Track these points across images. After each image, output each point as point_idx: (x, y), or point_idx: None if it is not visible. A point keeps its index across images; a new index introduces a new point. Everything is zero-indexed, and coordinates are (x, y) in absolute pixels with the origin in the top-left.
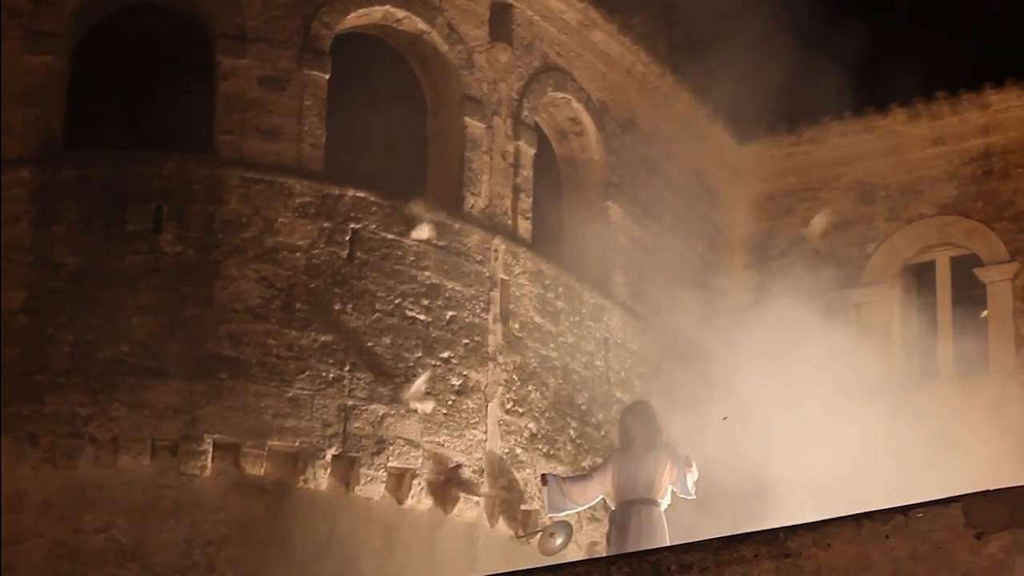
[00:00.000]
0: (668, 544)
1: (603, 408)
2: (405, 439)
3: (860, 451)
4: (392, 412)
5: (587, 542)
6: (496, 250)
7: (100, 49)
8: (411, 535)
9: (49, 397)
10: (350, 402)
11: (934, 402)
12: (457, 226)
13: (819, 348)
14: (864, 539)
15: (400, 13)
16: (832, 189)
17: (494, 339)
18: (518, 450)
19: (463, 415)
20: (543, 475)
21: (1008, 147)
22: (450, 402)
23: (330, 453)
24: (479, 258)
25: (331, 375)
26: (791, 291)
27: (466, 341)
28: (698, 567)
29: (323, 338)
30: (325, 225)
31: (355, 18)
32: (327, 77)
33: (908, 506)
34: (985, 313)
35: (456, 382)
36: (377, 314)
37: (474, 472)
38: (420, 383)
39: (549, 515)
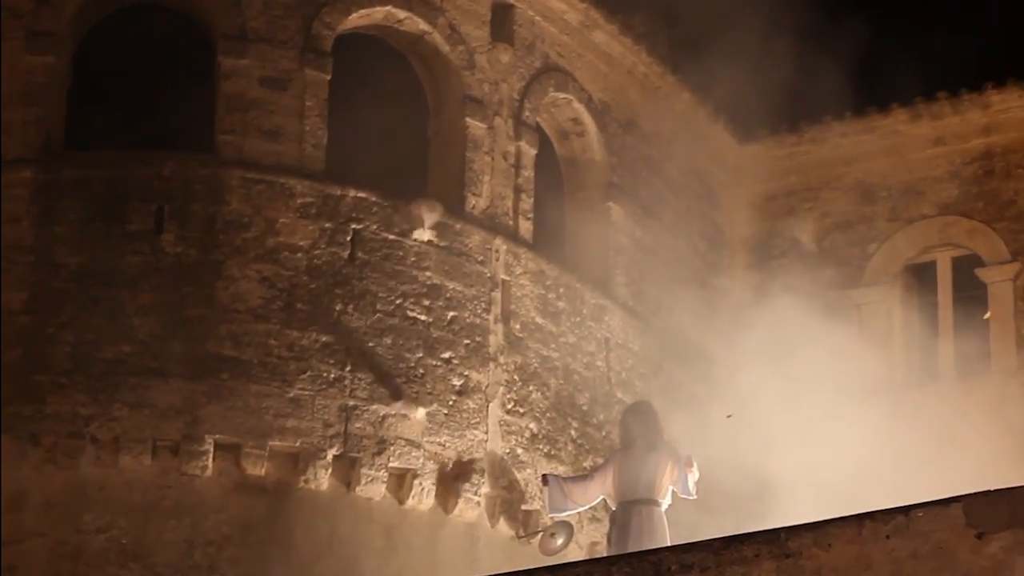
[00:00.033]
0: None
1: (604, 408)
2: (406, 439)
3: (861, 451)
4: (393, 412)
5: (588, 542)
6: (497, 250)
7: (101, 49)
8: (412, 535)
9: (50, 397)
10: (351, 402)
11: (935, 402)
12: (458, 226)
13: (820, 348)
14: (865, 539)
15: (401, 13)
16: (833, 189)
17: (495, 339)
18: (519, 450)
19: (464, 415)
20: (544, 475)
21: (1009, 147)
22: (451, 402)
23: (331, 453)
24: (480, 258)
25: (332, 375)
26: (792, 291)
27: (467, 341)
28: (699, 567)
29: (324, 338)
30: (326, 225)
31: (356, 18)
32: (328, 77)
33: (909, 506)
34: (988, 316)
35: (457, 382)
36: (378, 314)
37: (475, 472)
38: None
39: (550, 515)
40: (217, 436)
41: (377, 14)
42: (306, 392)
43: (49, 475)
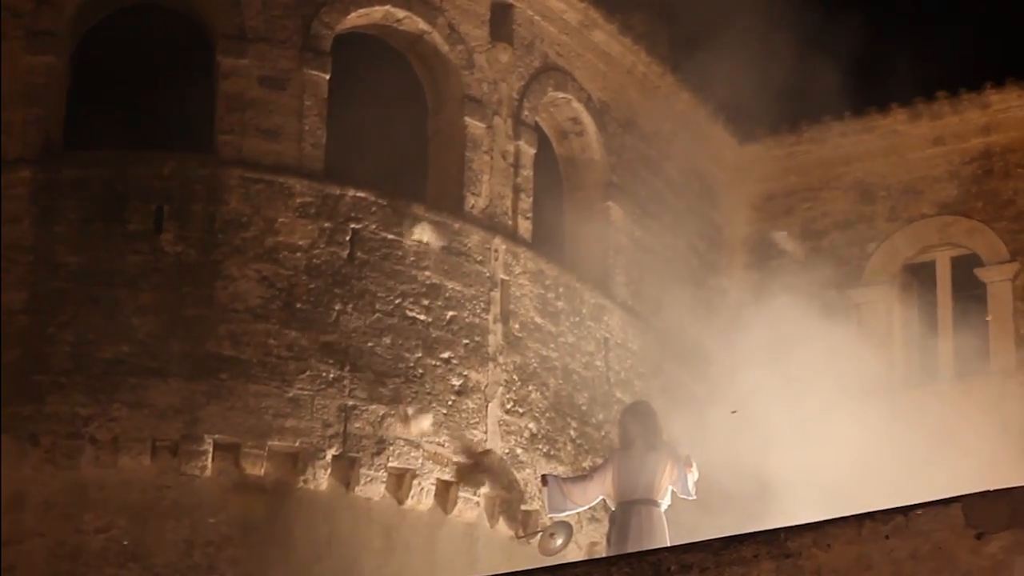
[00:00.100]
0: (668, 544)
1: (603, 408)
2: (405, 439)
3: (860, 451)
4: (392, 412)
5: (587, 542)
6: (496, 250)
7: (101, 49)
8: (411, 535)
9: (50, 397)
10: (350, 402)
11: (934, 402)
12: (457, 226)
13: (819, 348)
14: (864, 539)
15: (400, 13)
16: (832, 189)
17: (494, 339)
18: (518, 450)
19: (463, 415)
20: (543, 475)
21: (1009, 147)
22: (450, 402)
23: (330, 453)
24: (479, 258)
25: (331, 375)
26: (791, 291)
27: (466, 341)
28: (698, 567)
29: (323, 338)
30: (325, 225)
31: (355, 18)
32: (327, 77)
33: (908, 506)
34: (990, 317)
35: (456, 382)
36: (377, 314)
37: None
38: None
39: (549, 515)
40: (216, 436)
41: (376, 14)
42: (305, 392)
43: (48, 475)
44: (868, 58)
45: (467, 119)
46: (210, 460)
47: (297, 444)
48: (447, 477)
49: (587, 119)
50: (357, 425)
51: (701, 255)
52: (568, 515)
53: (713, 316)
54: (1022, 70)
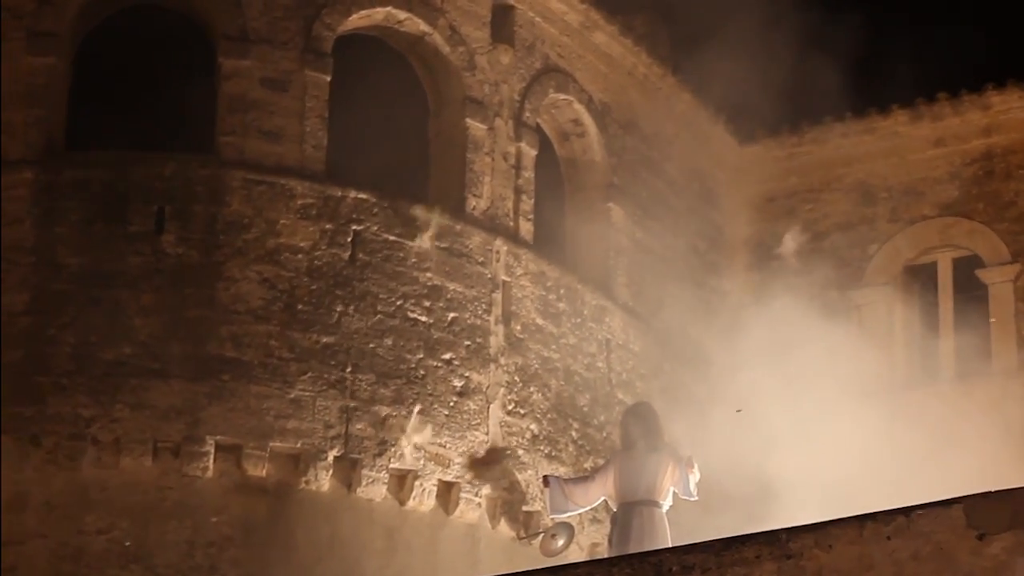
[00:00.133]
0: (670, 545)
1: (605, 409)
2: (407, 440)
3: (862, 452)
4: (394, 414)
5: (589, 543)
6: (498, 251)
7: (102, 50)
8: (413, 536)
9: (51, 398)
10: (352, 403)
11: (936, 403)
12: (459, 228)
13: (820, 349)
14: (866, 540)
15: (402, 14)
16: (834, 190)
17: (496, 340)
18: (520, 451)
19: (465, 416)
20: (545, 476)
21: (1010, 148)
22: (452, 404)
23: (332, 454)
24: (481, 260)
25: (333, 376)
26: (792, 292)
27: (468, 343)
28: (700, 568)
29: (325, 339)
30: (327, 227)
31: (357, 19)
32: (329, 78)
33: (910, 507)
34: (993, 319)
35: (458, 384)
36: (379, 316)
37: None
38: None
39: (551, 516)
40: (218, 437)
41: (377, 15)
42: (307, 393)
43: (50, 476)
44: (869, 59)
45: (468, 120)
46: (212, 461)
47: (299, 445)
48: (449, 478)
49: (588, 120)
50: (359, 426)
51: (702, 256)
52: (569, 516)
53: (714, 317)
54: (1023, 71)
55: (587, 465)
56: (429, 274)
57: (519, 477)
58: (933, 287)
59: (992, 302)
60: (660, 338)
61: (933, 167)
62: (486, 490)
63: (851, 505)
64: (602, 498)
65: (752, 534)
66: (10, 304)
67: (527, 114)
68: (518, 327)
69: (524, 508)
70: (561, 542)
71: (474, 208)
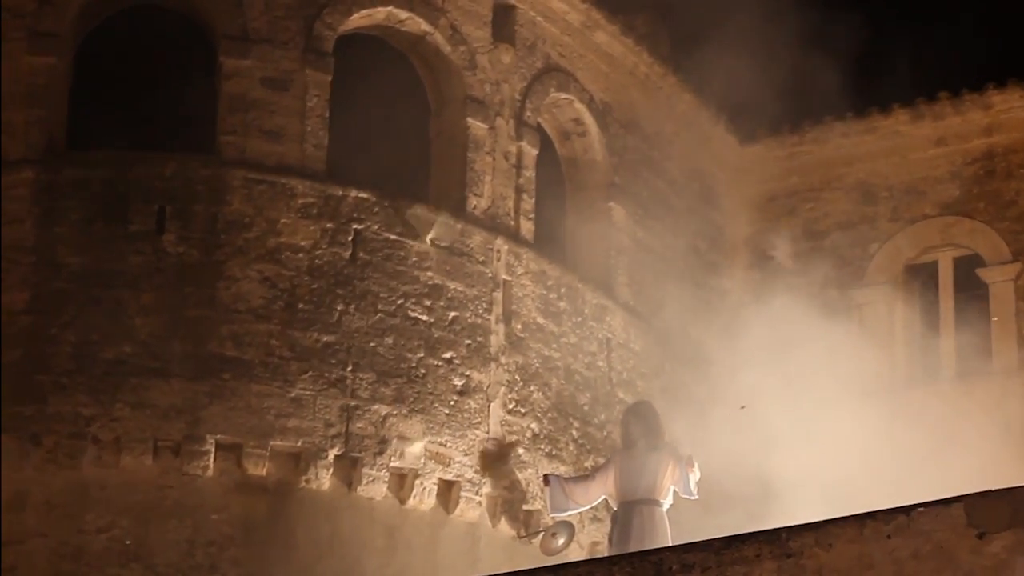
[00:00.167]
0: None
1: (605, 408)
2: (407, 439)
3: (862, 450)
4: (394, 412)
5: (589, 542)
6: (499, 251)
7: (103, 50)
8: (413, 535)
9: (52, 397)
10: (352, 402)
11: (936, 402)
12: (460, 227)
13: (821, 348)
14: (866, 539)
15: (403, 14)
16: (834, 189)
17: (496, 340)
18: (520, 450)
19: (465, 415)
20: (545, 475)
21: (1011, 147)
22: (452, 402)
23: (332, 453)
24: (481, 259)
25: (333, 375)
26: (793, 291)
27: (468, 342)
28: (700, 567)
29: (325, 338)
30: (328, 226)
31: (358, 19)
32: (330, 78)
33: (910, 506)
34: (996, 318)
35: (458, 382)
36: (379, 314)
37: (476, 472)
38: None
39: (551, 515)
40: (218, 436)
41: (378, 14)
42: (307, 392)
43: (50, 475)
44: (870, 58)
45: (469, 120)
46: (212, 460)
47: (299, 444)
48: (449, 477)
49: (589, 120)
50: (359, 425)
51: (703, 255)
52: (570, 515)
53: (715, 316)
54: None
55: (587, 464)
56: (430, 273)
57: (519, 476)
58: (934, 286)
59: (993, 301)
60: (661, 337)
61: (934, 166)
62: (486, 489)
63: (851, 504)
64: (602, 497)
65: (752, 533)
66: (10, 303)
67: (528, 113)
68: (519, 326)
69: (524, 507)
70: (561, 541)
71: (475, 207)
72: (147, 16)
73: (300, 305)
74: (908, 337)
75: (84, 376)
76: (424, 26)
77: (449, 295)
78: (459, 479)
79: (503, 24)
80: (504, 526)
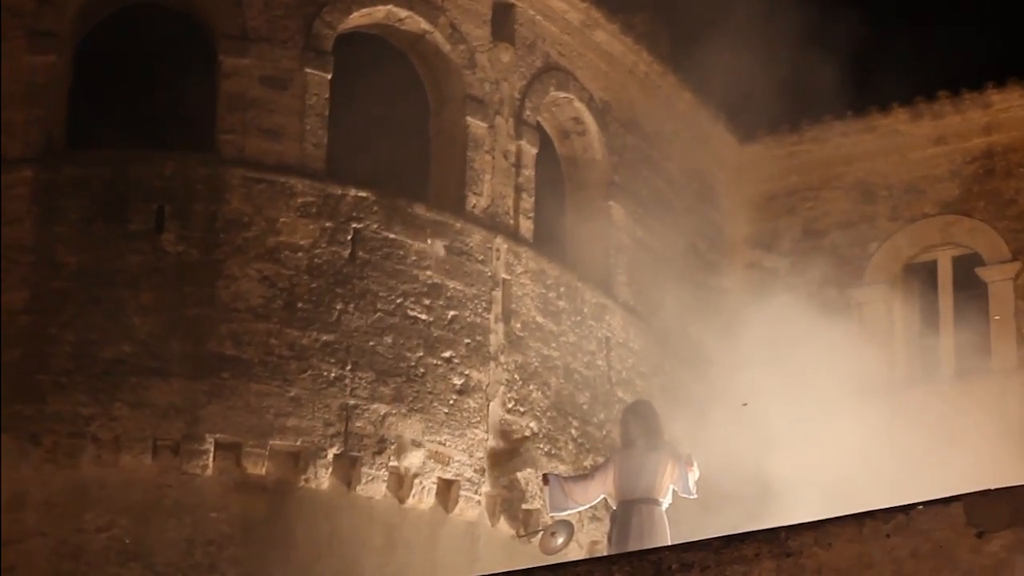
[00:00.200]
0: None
1: (604, 407)
2: (407, 438)
3: (861, 450)
4: (393, 412)
5: (588, 541)
6: (498, 249)
7: (102, 49)
8: (412, 534)
9: (51, 396)
10: (352, 401)
11: (935, 401)
12: (459, 226)
13: (820, 347)
14: (865, 538)
15: (402, 13)
16: (834, 188)
17: (496, 339)
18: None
19: (464, 414)
20: (544, 475)
21: (1010, 146)
22: (451, 401)
23: (332, 452)
24: (481, 258)
25: (333, 375)
26: (792, 290)
27: (468, 341)
28: (699, 566)
29: (325, 338)
30: (327, 225)
31: (357, 17)
32: (329, 77)
33: (909, 505)
34: (998, 317)
35: (458, 381)
36: (379, 314)
37: (475, 471)
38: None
39: (550, 514)
40: (218, 435)
41: (378, 13)
42: (307, 391)
43: (50, 474)
44: (869, 58)
45: (469, 119)
46: (211, 459)
47: (298, 443)
48: (448, 476)
49: (589, 119)
50: (358, 424)
51: (702, 255)
52: (569, 514)
53: (714, 315)
54: (1023, 70)
55: (587, 463)
56: (429, 272)
57: (518, 475)
58: (933, 285)
59: (992, 300)
60: (660, 336)
61: (933, 165)
62: (486, 488)
63: (850, 503)
64: (602, 496)
65: (751, 532)
66: (10, 303)
67: (527, 112)
68: (518, 325)
69: (524, 506)
70: (561, 540)
71: (474, 206)
72: (146, 15)
73: (299, 304)
74: (907, 336)
75: (83, 375)
76: (424, 25)
77: (448, 294)
78: (458, 478)
79: (503, 23)
80: (503, 525)
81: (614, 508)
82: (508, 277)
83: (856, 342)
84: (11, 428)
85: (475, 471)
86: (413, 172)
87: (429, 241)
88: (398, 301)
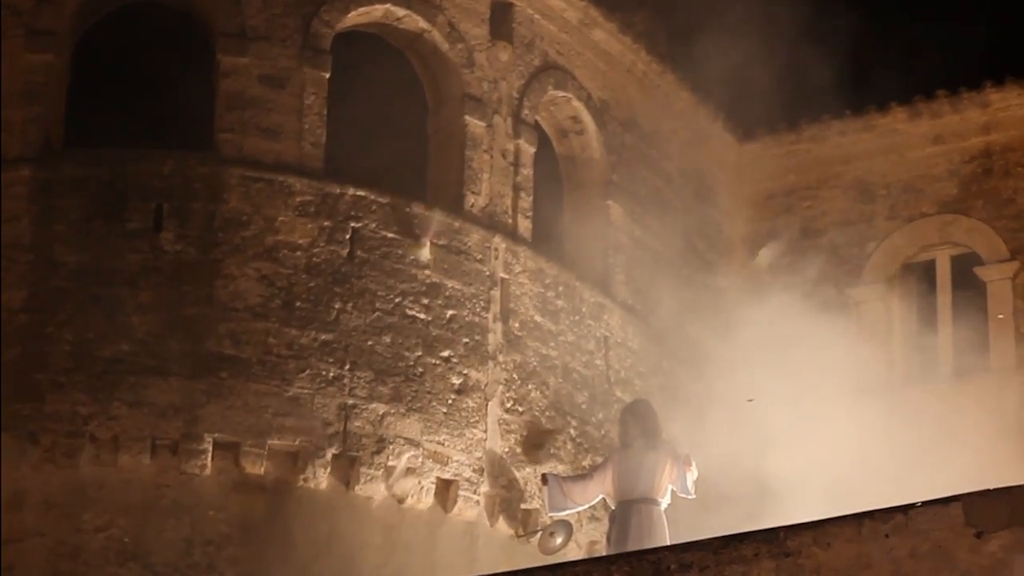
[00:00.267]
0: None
1: (603, 407)
2: (405, 438)
3: (860, 449)
4: (392, 411)
5: (587, 541)
6: (496, 249)
7: (101, 47)
8: (411, 534)
9: (49, 396)
10: (350, 401)
11: (934, 400)
12: (457, 225)
13: (819, 346)
14: (864, 538)
15: (400, 11)
16: (832, 187)
17: (494, 338)
18: (518, 449)
19: (463, 414)
20: (543, 474)
21: (1008, 145)
22: (450, 401)
23: (330, 452)
24: (479, 257)
25: (331, 374)
26: (791, 290)
27: (466, 340)
28: (698, 566)
29: (323, 337)
30: (325, 224)
31: (355, 16)
32: (327, 75)
33: (908, 505)
34: (1001, 316)
35: (456, 381)
36: (377, 313)
37: (474, 471)
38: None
39: (549, 514)
40: (216, 435)
41: (376, 12)
42: (305, 391)
43: (48, 474)
44: (868, 57)
45: (467, 118)
46: (210, 459)
47: (297, 443)
48: (447, 476)
49: (587, 118)
50: (357, 424)
51: (701, 254)
52: (568, 514)
53: (712, 315)
54: (1022, 69)
55: (585, 463)
56: (427, 271)
57: (517, 475)
58: (931, 284)
59: (990, 299)
60: (658, 335)
61: (932, 164)
62: (484, 488)
63: (849, 503)
64: (600, 496)
65: (750, 532)
66: (8, 302)
67: (526, 111)
68: (516, 324)
69: (522, 506)
70: (559, 540)
71: (472, 205)
72: (145, 14)
73: (298, 303)
74: (905, 335)
75: (82, 374)
76: (422, 23)
77: (447, 293)
78: (457, 478)
79: (501, 22)
80: (502, 525)
81: (613, 508)
82: (506, 276)
83: (854, 341)
84: (9, 427)
85: (474, 471)
86: (411, 171)
87: (420, 240)
88: (396, 300)
